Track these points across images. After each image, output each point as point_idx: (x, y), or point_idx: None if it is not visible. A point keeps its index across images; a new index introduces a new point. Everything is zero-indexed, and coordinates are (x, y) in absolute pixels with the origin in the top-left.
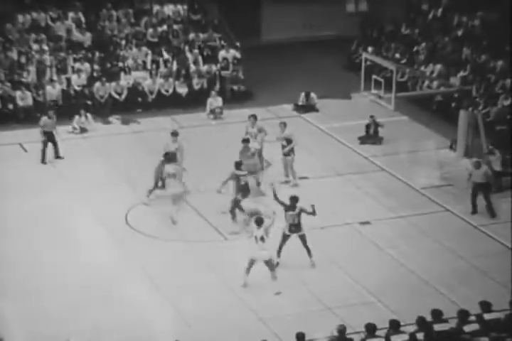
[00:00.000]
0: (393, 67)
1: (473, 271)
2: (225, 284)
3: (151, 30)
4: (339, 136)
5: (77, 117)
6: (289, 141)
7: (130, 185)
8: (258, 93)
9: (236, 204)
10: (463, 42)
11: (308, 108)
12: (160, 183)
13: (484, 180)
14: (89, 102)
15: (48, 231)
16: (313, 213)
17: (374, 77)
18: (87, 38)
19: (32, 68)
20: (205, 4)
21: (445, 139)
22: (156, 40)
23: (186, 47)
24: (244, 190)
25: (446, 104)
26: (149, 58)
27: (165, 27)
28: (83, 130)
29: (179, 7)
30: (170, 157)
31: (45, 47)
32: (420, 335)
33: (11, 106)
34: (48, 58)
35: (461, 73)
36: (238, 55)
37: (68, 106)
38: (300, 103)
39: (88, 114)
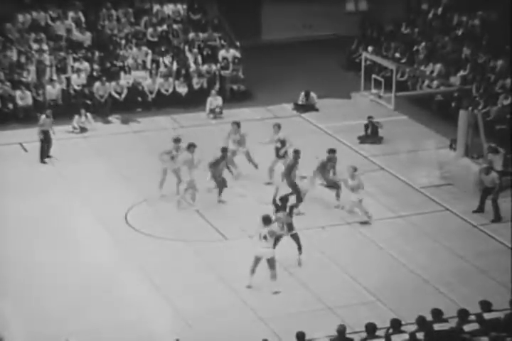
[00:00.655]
0: (393, 66)
1: (473, 271)
2: (225, 284)
3: (150, 30)
4: (339, 135)
5: (77, 117)
6: (283, 142)
7: (130, 185)
8: (258, 92)
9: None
10: (463, 42)
11: (308, 107)
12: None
13: (493, 185)
14: (89, 102)
15: (48, 231)
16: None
17: (374, 76)
18: (86, 38)
19: (32, 68)
20: (205, 4)
21: (445, 139)
22: (155, 39)
23: (186, 47)
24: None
25: (446, 103)
26: (149, 58)
27: (165, 26)
28: (83, 129)
29: (179, 6)
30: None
31: (45, 47)
32: (420, 335)
33: (10, 106)
34: (47, 58)
35: (461, 72)
36: (238, 55)
37: (68, 106)
38: (300, 102)
39: (88, 114)
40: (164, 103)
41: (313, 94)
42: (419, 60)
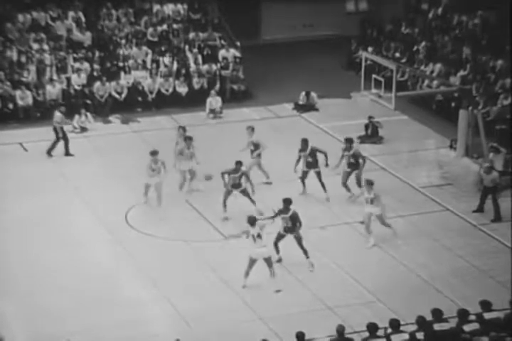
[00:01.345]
0: (393, 66)
1: (473, 270)
2: (225, 284)
3: (151, 30)
4: (339, 135)
5: (77, 116)
6: (256, 145)
7: (130, 185)
8: (258, 92)
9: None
10: (463, 42)
11: (309, 107)
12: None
13: (494, 184)
14: (89, 102)
15: (48, 231)
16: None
17: (374, 76)
18: (87, 38)
19: (32, 67)
20: (205, 3)
21: (445, 138)
22: (156, 39)
23: (186, 47)
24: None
25: (446, 103)
26: (149, 58)
27: (165, 26)
28: (83, 129)
29: (179, 6)
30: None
31: (45, 47)
32: (420, 335)
33: (11, 106)
34: (48, 57)
35: (461, 72)
36: (238, 55)
37: (68, 106)
38: (300, 102)
39: (88, 114)
40: (164, 103)
41: (313, 94)
42: (419, 59)
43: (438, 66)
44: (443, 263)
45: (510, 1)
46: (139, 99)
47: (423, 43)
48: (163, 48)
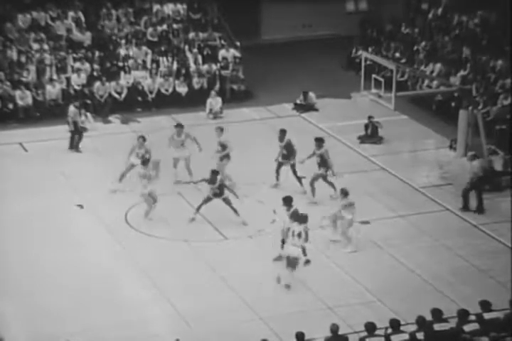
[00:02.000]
0: (393, 66)
1: (473, 270)
2: (225, 284)
3: (150, 30)
4: (339, 135)
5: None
6: (223, 146)
7: (130, 184)
8: (258, 92)
9: None
10: (463, 42)
11: (308, 107)
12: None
13: (472, 175)
14: (89, 101)
15: (48, 231)
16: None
17: (374, 76)
18: (86, 37)
19: (32, 67)
20: (205, 3)
21: (445, 138)
22: (155, 39)
23: (186, 47)
24: None
25: (446, 103)
26: (149, 57)
27: (165, 26)
28: (83, 129)
29: (179, 6)
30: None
31: (45, 47)
32: (420, 335)
33: (10, 106)
34: (47, 57)
35: (461, 72)
36: (238, 55)
37: (68, 106)
38: (298, 102)
39: (88, 114)
40: (164, 103)
41: (311, 94)
42: (419, 59)
43: (438, 66)
44: (443, 263)
45: (510, 1)
46: (139, 99)
47: (423, 43)
48: (163, 48)
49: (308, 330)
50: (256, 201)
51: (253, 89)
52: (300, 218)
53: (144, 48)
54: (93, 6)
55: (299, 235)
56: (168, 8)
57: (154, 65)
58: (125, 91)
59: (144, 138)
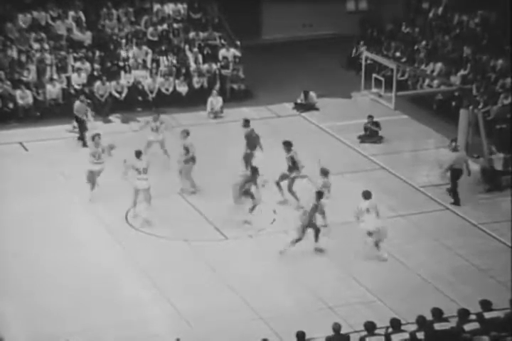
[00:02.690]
0: (393, 65)
1: (473, 270)
2: (226, 283)
3: (151, 29)
4: (339, 134)
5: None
6: (187, 149)
7: (130, 184)
8: (258, 92)
9: None
10: (463, 41)
11: (309, 107)
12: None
13: (458, 166)
14: (89, 101)
15: (49, 231)
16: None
17: (374, 75)
18: (87, 37)
19: (32, 67)
20: (206, 3)
21: (445, 138)
22: (156, 38)
23: (186, 46)
24: None
25: (447, 102)
26: (149, 57)
27: (165, 26)
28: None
29: (179, 6)
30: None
31: (46, 46)
32: (421, 334)
33: (11, 105)
34: (48, 57)
35: (462, 72)
36: (238, 54)
37: (68, 105)
38: (299, 101)
39: (88, 113)
40: (164, 102)
41: (312, 94)
42: (420, 59)
43: (438, 65)
44: (443, 263)
45: (510, 0)
46: (139, 98)
47: (423, 42)
48: (163, 48)
49: (309, 330)
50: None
51: (253, 88)
52: (366, 195)
53: (145, 48)
54: (93, 5)
55: (368, 211)
56: (169, 8)
57: (154, 65)
58: (125, 91)
59: (158, 113)
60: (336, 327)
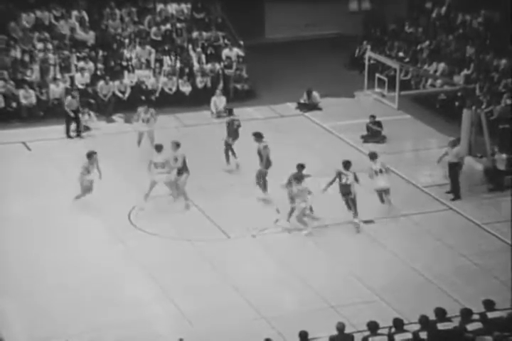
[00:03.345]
0: (396, 65)
1: (476, 270)
2: (228, 283)
3: (154, 29)
4: (342, 134)
5: (80, 116)
6: (176, 160)
7: (133, 184)
8: (262, 92)
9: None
10: (466, 41)
11: (312, 106)
12: None
13: (457, 160)
14: (92, 101)
15: (51, 230)
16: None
17: (377, 75)
18: (90, 37)
19: (35, 67)
20: (209, 3)
21: (448, 138)
22: (159, 38)
23: (190, 46)
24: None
25: (450, 102)
26: (153, 57)
27: (168, 25)
28: (86, 128)
29: (183, 6)
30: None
31: (49, 46)
32: (424, 334)
33: (14, 105)
34: (51, 57)
35: (465, 72)
36: (242, 54)
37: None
38: (302, 101)
39: (91, 113)
40: (168, 102)
41: (315, 94)
42: (423, 59)
43: (441, 65)
44: (446, 263)
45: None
46: (143, 98)
47: (427, 42)
48: (166, 47)
49: (312, 329)
50: (259, 200)
51: (256, 88)
52: (372, 156)
53: (148, 47)
54: (97, 5)
55: (381, 171)
56: (172, 8)
57: (158, 64)
58: (128, 91)
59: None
60: (340, 327)
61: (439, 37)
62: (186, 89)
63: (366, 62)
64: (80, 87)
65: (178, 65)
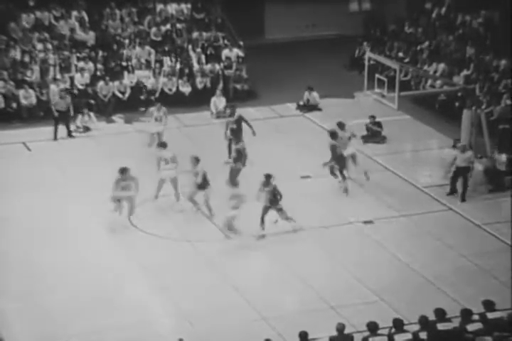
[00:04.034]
0: (396, 66)
1: (476, 270)
2: (228, 283)
3: (154, 29)
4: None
5: (80, 116)
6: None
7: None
8: (261, 92)
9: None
10: (466, 41)
11: (312, 107)
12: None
13: (467, 165)
14: (92, 101)
15: (51, 231)
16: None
17: (377, 76)
18: (90, 37)
19: (35, 67)
20: (209, 3)
21: (448, 138)
22: (159, 39)
23: (189, 46)
24: None
25: (450, 103)
26: (152, 57)
27: (168, 26)
28: (86, 129)
29: (183, 6)
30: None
31: (49, 46)
32: (423, 334)
33: (14, 105)
34: (51, 57)
35: (465, 72)
36: (241, 54)
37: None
38: (301, 102)
39: (91, 113)
40: (168, 102)
41: (315, 94)
42: (423, 59)
43: (441, 66)
44: (446, 263)
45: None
46: (142, 98)
47: (426, 43)
48: (166, 48)
49: (312, 330)
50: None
51: (256, 88)
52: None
53: (148, 48)
54: (97, 5)
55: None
56: (172, 8)
57: (158, 65)
58: (128, 91)
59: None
60: (340, 327)
61: (438, 37)
62: (186, 89)
63: (366, 63)
64: (80, 87)
65: (178, 65)
